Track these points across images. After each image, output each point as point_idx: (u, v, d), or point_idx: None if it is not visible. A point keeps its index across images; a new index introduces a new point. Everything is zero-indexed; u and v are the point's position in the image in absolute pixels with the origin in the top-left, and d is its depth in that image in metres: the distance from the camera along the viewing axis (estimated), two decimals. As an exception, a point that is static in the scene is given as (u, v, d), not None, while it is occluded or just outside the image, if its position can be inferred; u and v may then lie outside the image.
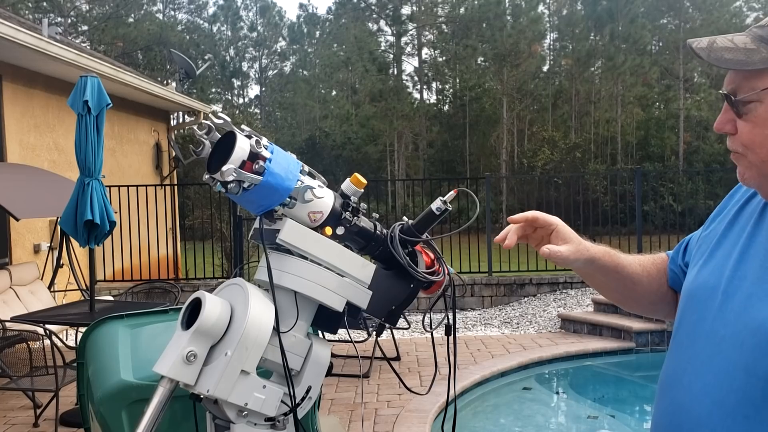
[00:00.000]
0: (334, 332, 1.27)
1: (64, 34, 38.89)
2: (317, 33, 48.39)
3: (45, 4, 40.68)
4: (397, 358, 6.40)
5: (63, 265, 7.80)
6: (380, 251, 1.31)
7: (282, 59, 49.06)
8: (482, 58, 31.79)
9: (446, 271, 1.37)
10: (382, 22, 36.81)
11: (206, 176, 1.12)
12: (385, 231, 1.32)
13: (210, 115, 1.46)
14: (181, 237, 13.55)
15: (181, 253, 13.00)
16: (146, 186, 9.54)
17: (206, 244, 12.33)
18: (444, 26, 33.85)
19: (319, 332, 1.34)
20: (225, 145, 1.12)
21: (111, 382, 1.90)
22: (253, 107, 47.77)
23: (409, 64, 36.51)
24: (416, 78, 36.57)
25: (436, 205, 1.32)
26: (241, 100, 48.49)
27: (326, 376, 1.29)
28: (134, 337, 2.14)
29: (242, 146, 1.10)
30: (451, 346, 1.41)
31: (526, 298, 9.41)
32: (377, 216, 1.34)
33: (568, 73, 30.73)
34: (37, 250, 8.07)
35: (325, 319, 1.24)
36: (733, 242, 1.16)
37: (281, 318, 1.17)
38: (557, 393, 6.20)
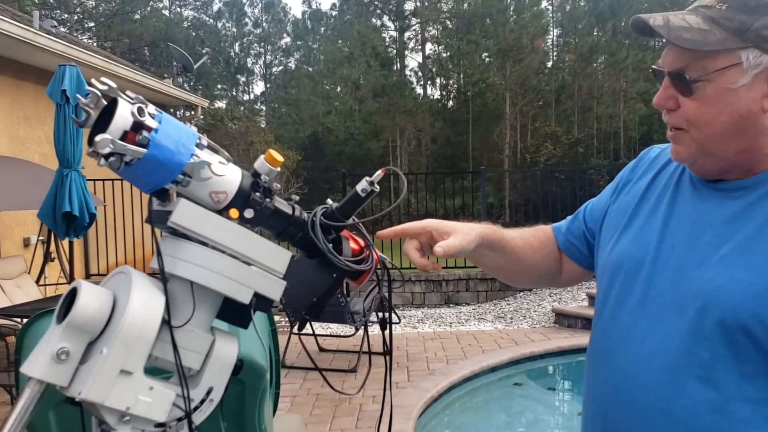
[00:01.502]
0: (245, 326, 1.15)
1: (70, 30, 39.01)
2: (321, 29, 48.31)
3: (51, 0, 40.76)
4: (388, 353, 6.29)
5: (54, 258, 7.72)
6: (300, 237, 1.20)
7: (286, 55, 49.02)
8: (486, 54, 31.64)
9: (375, 259, 1.25)
10: (386, 18, 36.68)
11: (89, 150, 1.01)
12: (306, 215, 1.21)
13: (93, 81, 1.34)
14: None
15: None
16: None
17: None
18: (448, 22, 33.70)
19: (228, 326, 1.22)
20: (109, 114, 1.01)
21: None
22: (258, 104, 47.76)
23: (413, 60, 36.44)
24: (420, 73, 36.43)
25: (362, 186, 1.21)
26: (246, 97, 48.51)
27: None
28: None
29: (123, 114, 0.98)
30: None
31: (521, 293, 9.29)
32: (296, 198, 1.23)
33: (571, 69, 30.55)
34: (26, 243, 7.99)
35: (233, 312, 1.12)
36: (651, 212, 1.19)
37: (175, 311, 1.06)
38: (549, 389, 6.07)
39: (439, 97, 35.01)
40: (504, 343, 6.68)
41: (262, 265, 1.12)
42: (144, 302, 1.00)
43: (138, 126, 1.00)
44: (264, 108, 46.99)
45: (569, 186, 13.57)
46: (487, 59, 31.67)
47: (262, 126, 30.06)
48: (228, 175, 1.10)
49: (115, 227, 9.30)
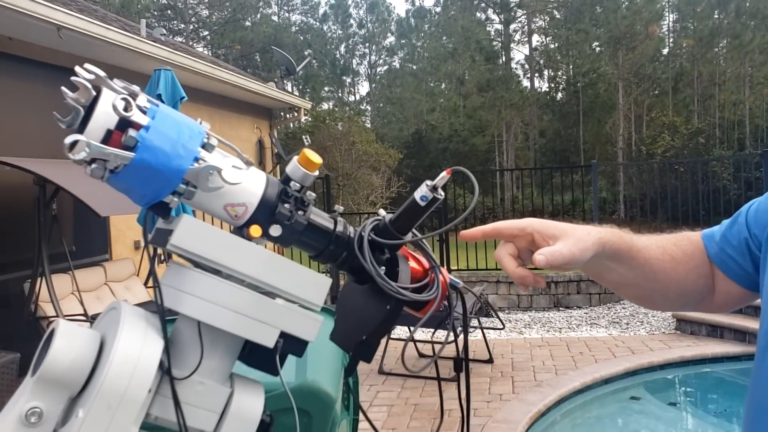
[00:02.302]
0: (273, 373, 0.92)
1: (186, 40, 40.89)
2: (425, 26, 48.13)
3: (169, 12, 42.88)
4: (490, 361, 5.96)
5: (164, 261, 7.90)
6: (344, 258, 0.95)
7: (390, 54, 49.22)
8: (596, 43, 30.35)
9: (441, 284, 0.98)
10: (490, 11, 36.01)
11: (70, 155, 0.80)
12: (351, 230, 0.96)
13: (78, 68, 1.13)
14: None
15: (285, 250, 13.09)
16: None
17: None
18: (555, 11, 32.61)
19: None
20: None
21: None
22: (364, 104, 48.21)
23: (519, 52, 35.61)
24: (526, 66, 35.51)
25: (421, 192, 0.94)
26: (351, 98, 49.07)
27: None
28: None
29: (105, 109, 0.77)
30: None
31: (638, 297, 8.66)
32: (340, 209, 0.98)
33: (689, 55, 28.71)
34: (137, 246, 8.23)
35: (260, 356, 0.89)
36: None
37: (179, 358, 0.83)
38: (670, 404, 5.54)
39: (548, 89, 33.97)
40: (619, 351, 6.18)
41: (293, 296, 0.88)
42: (134, 348, 0.78)
43: (125, 124, 0.78)
44: (369, 108, 47.40)
45: (690, 179, 12.63)
46: (598, 48, 30.37)
47: (367, 126, 30.21)
48: (246, 183, 0.86)
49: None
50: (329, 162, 16.33)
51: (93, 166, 0.78)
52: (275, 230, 0.88)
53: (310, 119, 19.17)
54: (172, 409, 0.82)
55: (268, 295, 0.86)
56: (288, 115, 13.18)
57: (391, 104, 43.27)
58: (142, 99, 0.80)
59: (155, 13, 42.01)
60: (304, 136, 13.70)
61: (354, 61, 49.03)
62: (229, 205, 0.86)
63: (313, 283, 0.90)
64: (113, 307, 0.84)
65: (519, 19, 34.18)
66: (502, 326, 6.69)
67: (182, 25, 42.79)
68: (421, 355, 6.26)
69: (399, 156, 19.28)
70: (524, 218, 0.99)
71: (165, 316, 0.82)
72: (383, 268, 0.95)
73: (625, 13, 27.44)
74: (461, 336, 5.65)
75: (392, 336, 6.09)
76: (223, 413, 0.86)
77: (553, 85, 33.78)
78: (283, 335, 0.87)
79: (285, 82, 13.45)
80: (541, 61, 34.19)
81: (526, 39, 34.61)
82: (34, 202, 5.52)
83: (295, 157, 0.91)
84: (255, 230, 0.86)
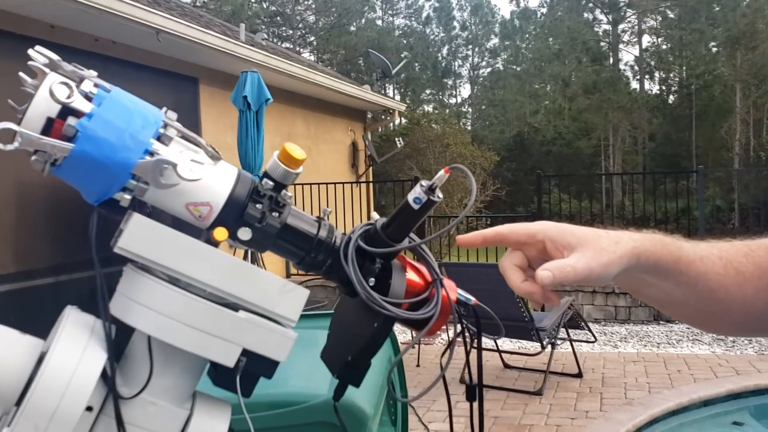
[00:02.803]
0: (246, 395, 0.81)
1: (294, 45, 42.01)
2: (530, 27, 47.19)
3: (278, 18, 44.23)
4: (579, 375, 5.66)
5: (255, 258, 8.08)
6: (329, 267, 0.84)
7: (493, 56, 48.58)
8: (712, 43, 28.73)
9: (443, 300, 0.85)
10: (598, 11, 34.85)
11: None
12: (339, 236, 0.84)
13: (30, 51, 1.04)
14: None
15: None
16: (342, 183, 9.72)
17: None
18: (668, 11, 31.12)
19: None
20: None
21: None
22: (466, 106, 47.86)
23: (628, 54, 34.25)
24: (636, 68, 34.10)
25: (414, 194, 0.82)
26: (453, 100, 48.82)
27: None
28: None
29: (45, 96, 0.69)
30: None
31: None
32: (328, 211, 0.87)
33: (818, 54, 26.60)
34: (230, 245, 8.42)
35: (226, 375, 0.79)
36: None
37: (129, 374, 0.75)
38: (780, 432, 5.06)
39: (658, 91, 32.48)
40: (722, 371, 5.72)
41: (262, 309, 0.78)
42: (69, 362, 0.70)
43: (67, 112, 0.70)
44: (470, 110, 47.00)
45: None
46: (714, 48, 28.75)
47: (466, 128, 29.93)
48: (209, 180, 0.76)
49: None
50: (422, 164, 16.25)
51: (33, 157, 0.71)
52: (244, 233, 0.78)
53: (405, 121, 19.19)
54: (113, 429, 0.73)
55: (235, 308, 0.76)
56: (382, 118, 13.19)
57: (493, 106, 42.72)
58: (88, 84, 0.72)
59: (265, 19, 43.41)
60: (397, 139, 13.69)
61: (456, 63, 48.76)
62: (192, 204, 0.77)
63: (285, 295, 0.79)
64: (63, 314, 0.76)
65: (628, 19, 32.88)
66: (593, 339, 6.35)
67: (290, 31, 43.98)
68: (507, 366, 6.04)
69: (495, 158, 18.94)
70: (538, 222, 0.83)
71: (110, 327, 0.73)
72: (372, 279, 0.84)
73: (746, 11, 25.79)
74: (548, 348, 5.39)
75: (475, 345, 5.90)
76: (179, 438, 0.77)
77: (664, 88, 32.28)
78: (249, 354, 0.77)
79: (385, 84, 13.47)
80: (652, 63, 32.72)
81: (636, 39, 33.24)
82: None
83: (276, 153, 0.81)
84: (219, 233, 0.77)
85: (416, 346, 6.64)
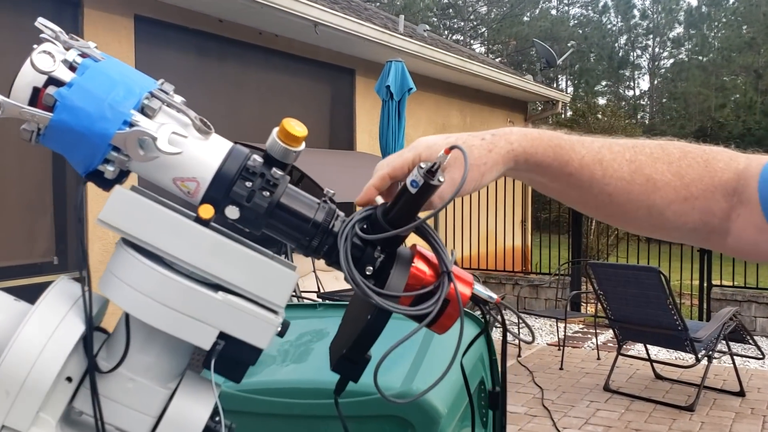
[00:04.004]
0: (236, 380, 0.78)
1: (465, 37, 41.97)
2: (720, 15, 43.53)
3: (450, 11, 44.41)
4: (741, 394, 5.13)
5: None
6: (326, 252, 0.78)
7: (676, 46, 45.38)
8: None
9: (450, 295, 0.77)
10: (802, -7, 31.39)
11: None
12: (340, 219, 0.79)
13: (37, 23, 0.66)
14: (536, 229, 13.27)
15: (534, 245, 12.76)
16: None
17: (563, 238, 11.84)
18: None
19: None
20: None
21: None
22: (645, 99, 45.24)
23: (835, 40, 30.68)
24: None
25: (411, 176, 0.74)
26: (630, 93, 46.31)
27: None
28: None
29: (28, 64, 0.70)
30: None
31: None
32: (331, 193, 0.81)
33: None
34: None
35: (226, 357, 0.76)
36: None
37: (114, 348, 0.74)
38: None
39: None
40: None
41: (245, 291, 0.74)
42: (44, 330, 0.70)
43: (51, 81, 0.70)
44: (648, 103, 44.38)
45: None
46: None
47: (645, 122, 28.22)
48: (196, 153, 0.74)
49: (470, 224, 9.50)
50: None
51: (22, 126, 0.72)
52: (232, 212, 0.74)
53: (570, 114, 18.43)
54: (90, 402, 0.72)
55: (212, 288, 0.73)
56: (545, 109, 12.78)
57: (674, 99, 39.98)
58: (73, 53, 0.71)
59: (436, 12, 43.70)
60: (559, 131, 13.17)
61: (634, 53, 46.16)
62: (179, 179, 0.74)
63: (271, 277, 0.75)
64: (54, 283, 0.77)
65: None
66: (761, 356, 5.73)
67: (461, 23, 43.95)
68: (658, 377, 5.61)
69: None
70: (411, 146, 0.82)
71: (90, 298, 0.73)
72: (370, 268, 0.77)
73: None
74: (704, 361, 4.93)
75: (623, 352, 5.54)
76: (159, 418, 0.75)
77: None
78: (227, 338, 0.73)
79: (557, 76, 13.03)
80: None
81: None
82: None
83: (275, 130, 0.77)
84: (204, 210, 0.73)
85: (561, 348, 6.37)
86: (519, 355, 6.50)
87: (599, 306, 6.75)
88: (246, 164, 0.74)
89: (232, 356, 0.74)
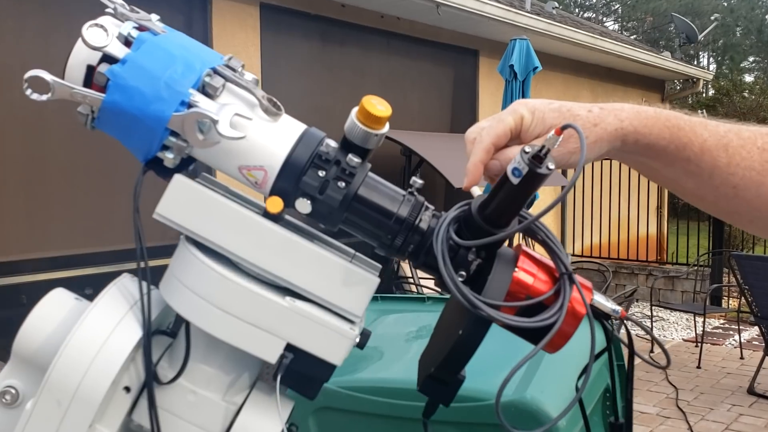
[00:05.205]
0: (311, 396, 0.68)
1: (597, 14, 40.23)
2: None
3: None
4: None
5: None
6: (412, 252, 0.67)
7: (840, 15, 41.13)
8: None
9: (572, 306, 0.64)
10: None
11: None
12: (429, 215, 0.67)
13: None
14: (673, 215, 12.47)
15: (671, 233, 12.01)
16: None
17: (702, 225, 11.06)
18: None
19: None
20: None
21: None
22: (798, 76, 41.48)
23: None
24: None
25: (513, 163, 0.61)
26: (781, 68, 42.56)
27: None
28: (377, 324, 1.79)
29: (84, 40, 0.62)
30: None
31: None
32: (418, 183, 0.69)
33: None
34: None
35: (295, 373, 0.66)
36: None
37: (175, 357, 0.67)
38: None
39: None
40: None
41: (317, 297, 0.64)
42: (97, 336, 0.63)
43: (106, 59, 0.63)
44: (802, 80, 40.69)
45: None
46: None
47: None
48: (263, 139, 0.64)
49: (600, 210, 9.09)
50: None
51: (78, 109, 0.65)
52: (303, 205, 0.64)
53: (713, 92, 17.07)
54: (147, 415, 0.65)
55: (279, 293, 0.64)
56: (684, 88, 11.95)
57: (833, 76, 36.32)
58: (128, 26, 0.63)
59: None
60: (700, 111, 12.28)
61: (788, 26, 42.31)
62: (245, 168, 0.65)
63: (348, 282, 0.64)
64: (118, 280, 0.70)
65: None
66: None
67: (593, 0, 42.14)
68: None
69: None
70: (512, 112, 0.69)
71: (149, 298, 0.65)
72: (463, 273, 0.64)
73: None
74: None
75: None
76: (223, 435, 0.67)
77: None
78: (296, 350, 0.63)
79: (698, 52, 12.19)
80: None
81: None
82: (400, 171, 5.92)
83: (354, 110, 0.66)
84: (272, 203, 0.64)
85: (698, 345, 5.91)
86: (651, 351, 6.10)
87: (743, 301, 6.21)
88: (318, 150, 0.64)
89: (302, 371, 0.64)
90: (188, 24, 5.27)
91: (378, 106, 0.65)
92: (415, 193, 0.68)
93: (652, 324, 6.60)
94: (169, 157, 0.64)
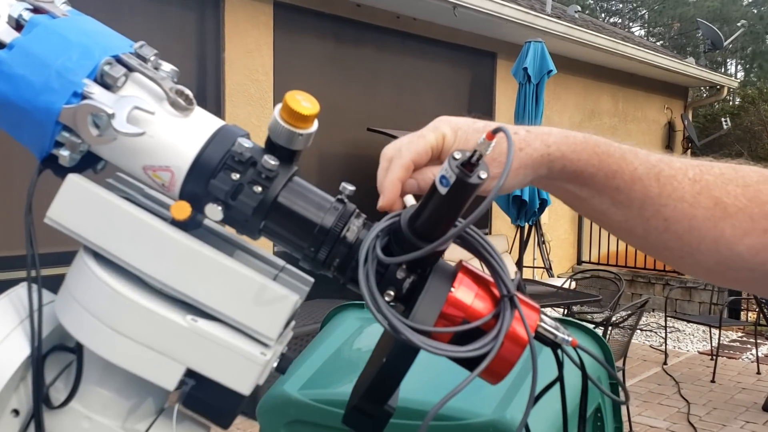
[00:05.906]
0: (224, 426, 0.61)
1: (623, 19, 39.85)
2: None
3: (607, -8, 42.39)
4: None
5: (544, 241, 7.80)
6: (338, 266, 0.60)
7: None
8: None
9: (512, 333, 0.56)
10: None
11: None
12: (358, 226, 0.59)
13: None
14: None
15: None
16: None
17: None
18: None
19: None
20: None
21: (277, 385, 1.52)
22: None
23: None
24: None
25: (441, 171, 0.53)
26: (811, 77, 41.87)
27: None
28: (357, 334, 1.72)
29: None
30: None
31: None
32: (349, 190, 0.61)
33: None
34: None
35: (201, 400, 0.59)
36: None
37: (70, 375, 0.60)
38: None
39: None
40: None
41: (225, 317, 0.57)
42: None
43: (-1, 46, 0.56)
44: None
45: None
46: None
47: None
48: (165, 134, 0.57)
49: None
50: (756, 149, 13.99)
51: (-33, 101, 0.58)
52: (213, 212, 0.57)
53: (738, 101, 16.76)
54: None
55: (180, 309, 0.56)
56: (709, 95, 11.74)
57: None
58: (19, 7, 0.56)
59: (592, -6, 41.80)
60: (723, 119, 11.99)
61: (818, 33, 41.63)
62: (150, 168, 0.58)
63: (262, 301, 0.57)
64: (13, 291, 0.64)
65: None
66: None
67: (620, 5, 41.76)
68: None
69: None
70: (434, 130, 0.63)
71: (41, 313, 0.58)
72: (389, 293, 0.57)
73: None
74: None
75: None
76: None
77: None
78: (198, 376, 0.56)
79: (725, 60, 11.98)
80: None
81: None
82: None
83: (277, 108, 0.58)
84: (178, 209, 0.57)
85: (713, 358, 5.76)
86: (665, 363, 5.96)
87: (761, 314, 6.04)
88: (230, 150, 0.57)
89: (206, 399, 0.57)
90: (200, 21, 5.23)
91: (303, 102, 0.58)
92: (345, 200, 0.60)
93: (666, 335, 6.45)
94: (63, 155, 0.57)
